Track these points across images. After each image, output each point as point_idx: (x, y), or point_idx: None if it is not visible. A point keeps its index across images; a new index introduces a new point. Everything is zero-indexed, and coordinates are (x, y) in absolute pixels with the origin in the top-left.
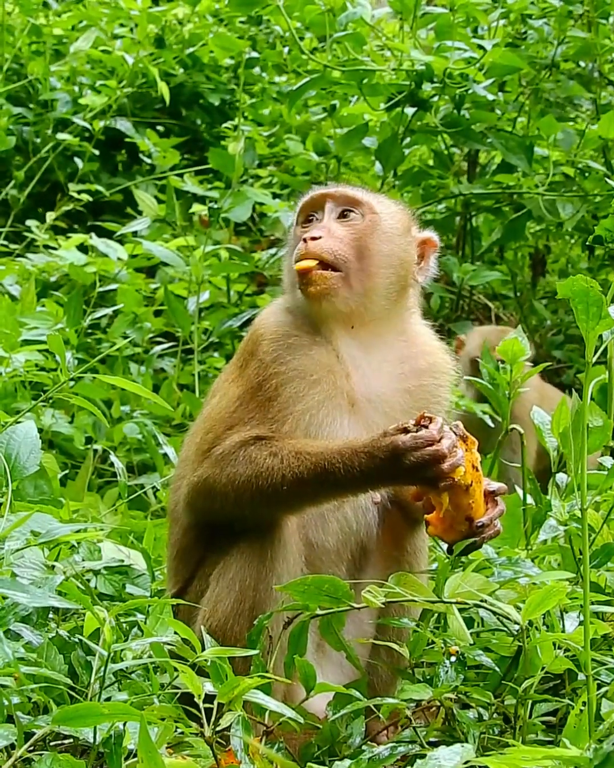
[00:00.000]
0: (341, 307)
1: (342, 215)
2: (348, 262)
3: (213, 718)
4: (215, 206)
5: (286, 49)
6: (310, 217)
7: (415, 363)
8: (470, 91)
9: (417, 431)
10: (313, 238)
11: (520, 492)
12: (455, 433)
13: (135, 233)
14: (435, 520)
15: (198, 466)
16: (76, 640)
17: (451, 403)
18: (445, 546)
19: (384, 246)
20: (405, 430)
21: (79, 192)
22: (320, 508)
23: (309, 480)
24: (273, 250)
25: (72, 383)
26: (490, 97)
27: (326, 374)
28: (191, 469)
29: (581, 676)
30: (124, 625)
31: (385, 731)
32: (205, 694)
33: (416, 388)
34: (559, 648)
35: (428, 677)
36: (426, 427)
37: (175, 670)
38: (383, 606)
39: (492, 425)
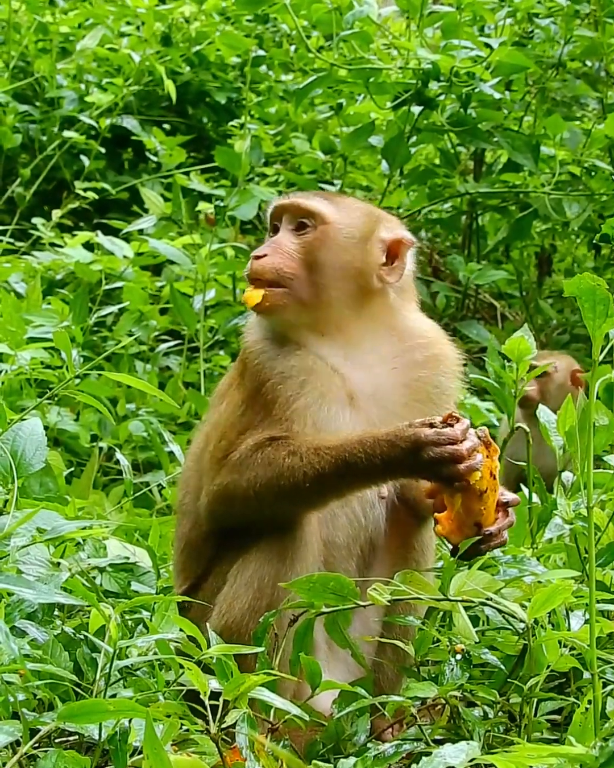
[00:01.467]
0: (293, 320)
1: (298, 227)
2: (294, 278)
3: (218, 716)
4: (221, 204)
5: (292, 48)
6: (275, 226)
7: (411, 356)
8: (476, 90)
9: (442, 428)
10: (257, 257)
11: (526, 490)
12: (479, 437)
13: (141, 231)
14: (444, 519)
15: (216, 475)
16: (82, 636)
17: (460, 392)
18: (451, 546)
19: (335, 257)
20: (431, 425)
21: (85, 190)
22: (341, 501)
23: (331, 474)
24: None
25: (77, 381)
26: (497, 96)
27: (310, 375)
28: (209, 479)
29: (586, 675)
30: (130, 622)
31: (390, 729)
32: (211, 691)
33: (414, 382)
34: (565, 646)
35: (433, 675)
36: (452, 425)
37: (181, 667)
38: (389, 604)
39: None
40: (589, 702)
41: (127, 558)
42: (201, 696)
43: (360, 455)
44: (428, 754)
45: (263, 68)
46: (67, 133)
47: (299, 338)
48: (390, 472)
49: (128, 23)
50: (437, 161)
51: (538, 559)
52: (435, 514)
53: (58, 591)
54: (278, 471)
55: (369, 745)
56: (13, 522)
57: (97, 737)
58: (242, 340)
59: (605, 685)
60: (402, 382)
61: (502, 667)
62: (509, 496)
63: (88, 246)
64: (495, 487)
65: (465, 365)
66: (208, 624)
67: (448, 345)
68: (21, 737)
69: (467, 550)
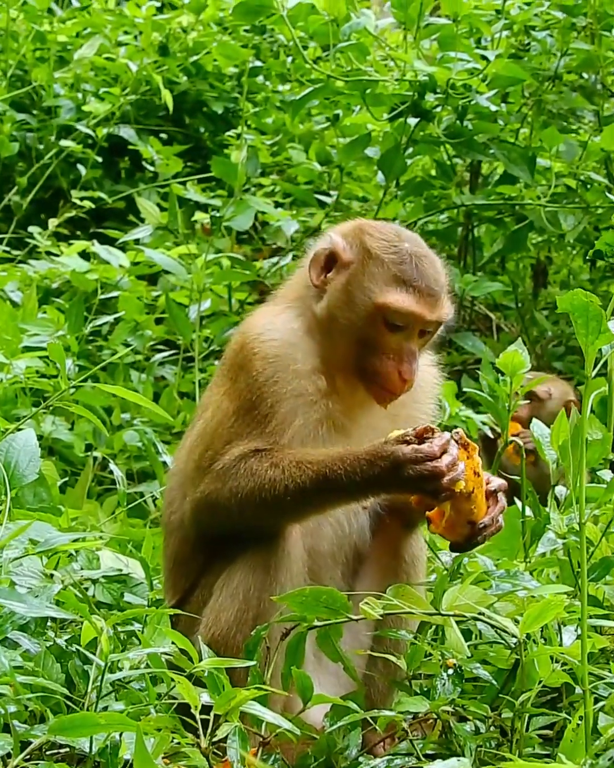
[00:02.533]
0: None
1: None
2: None
3: (210, 729)
4: (217, 215)
5: (289, 59)
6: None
7: (413, 390)
8: (473, 102)
9: (419, 444)
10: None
11: (519, 504)
12: (455, 440)
13: (137, 241)
14: (436, 518)
15: (200, 482)
16: (74, 649)
17: (438, 410)
18: (444, 557)
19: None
20: (408, 442)
21: (81, 199)
22: (322, 514)
23: (311, 489)
24: (275, 259)
25: (72, 391)
26: (493, 108)
27: (323, 398)
28: (193, 486)
29: (578, 690)
30: (122, 634)
31: (382, 743)
32: (202, 705)
33: (401, 415)
34: (557, 661)
35: (425, 689)
36: (429, 438)
37: (172, 680)
38: (380, 618)
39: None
40: (581, 717)
41: (120, 569)
42: (192, 710)
43: (340, 472)
44: None
45: (260, 79)
46: (64, 142)
47: (312, 362)
48: (371, 488)
49: (126, 33)
50: (433, 173)
51: (531, 573)
52: (427, 514)
53: (50, 604)
54: (259, 482)
55: (360, 759)
56: (6, 534)
57: (88, 750)
58: (243, 338)
59: (596, 700)
60: (392, 414)
61: (494, 681)
62: (496, 482)
63: (85, 255)
64: (480, 483)
65: (460, 375)
66: (195, 637)
67: (430, 368)
68: (12, 750)
69: (465, 542)
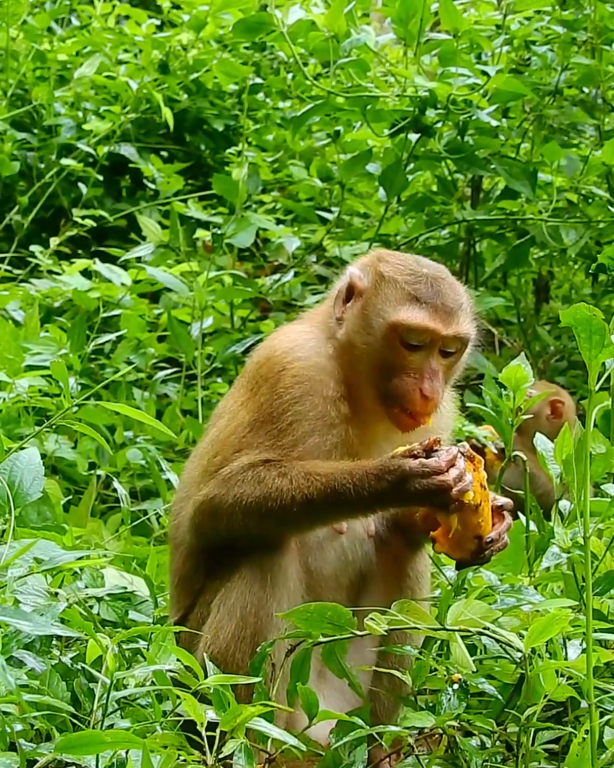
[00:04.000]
0: None
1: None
2: None
3: (215, 746)
4: (219, 232)
5: (289, 75)
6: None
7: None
8: (474, 117)
9: (426, 458)
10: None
11: (523, 519)
12: (461, 453)
13: (139, 259)
14: (441, 537)
15: (204, 486)
16: (79, 667)
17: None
18: (449, 573)
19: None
20: (415, 456)
21: (82, 217)
22: (328, 527)
23: (318, 501)
24: (276, 276)
25: (75, 409)
26: (494, 123)
27: (344, 423)
28: (196, 489)
29: (584, 704)
30: (127, 652)
31: (388, 759)
32: (208, 722)
33: (420, 436)
34: (562, 676)
35: (431, 705)
36: (436, 451)
37: (178, 697)
38: (385, 633)
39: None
40: (586, 732)
41: (125, 587)
42: (198, 727)
43: (348, 486)
44: None
45: (260, 96)
46: (64, 161)
47: (338, 388)
48: (382, 503)
49: (126, 51)
50: (434, 188)
51: (535, 587)
52: (431, 534)
53: (55, 622)
54: (266, 491)
55: None
56: (11, 553)
57: None
58: (272, 352)
59: (602, 714)
60: (407, 442)
61: (499, 696)
62: (501, 500)
63: (86, 273)
64: (486, 497)
65: (462, 393)
66: (197, 654)
67: (450, 403)
68: None
69: (471, 558)
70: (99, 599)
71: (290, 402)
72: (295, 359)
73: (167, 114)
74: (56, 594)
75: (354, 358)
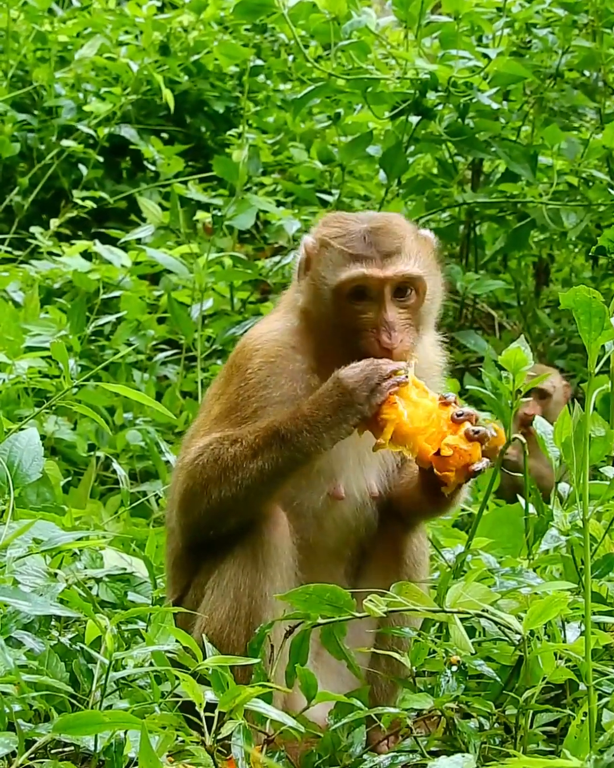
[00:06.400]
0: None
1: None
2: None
3: (214, 727)
4: (219, 214)
5: (290, 58)
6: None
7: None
8: (474, 100)
9: None
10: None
11: (523, 502)
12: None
13: (139, 240)
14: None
15: (179, 483)
16: (78, 647)
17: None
18: (448, 555)
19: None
20: None
21: (83, 199)
22: (293, 475)
23: (267, 448)
24: (276, 258)
25: (75, 390)
26: (494, 106)
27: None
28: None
29: (582, 687)
30: (126, 633)
31: (386, 741)
32: (207, 703)
33: None
34: (560, 658)
35: (429, 687)
36: None
37: (176, 678)
38: (384, 615)
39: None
40: (585, 714)
41: (124, 568)
42: (196, 707)
43: (286, 420)
44: (424, 765)
45: (261, 78)
46: (65, 142)
47: (309, 361)
48: (327, 427)
49: (127, 32)
50: (435, 171)
51: (534, 570)
52: (437, 472)
53: (54, 602)
54: (224, 462)
55: (365, 756)
56: (10, 533)
57: (92, 749)
58: (246, 340)
59: (600, 697)
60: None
61: (498, 678)
62: (449, 394)
63: (86, 255)
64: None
65: (463, 373)
66: (191, 635)
67: (434, 347)
68: (17, 748)
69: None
70: (98, 580)
71: (256, 387)
72: (263, 343)
73: (168, 96)
74: (55, 575)
75: (315, 326)
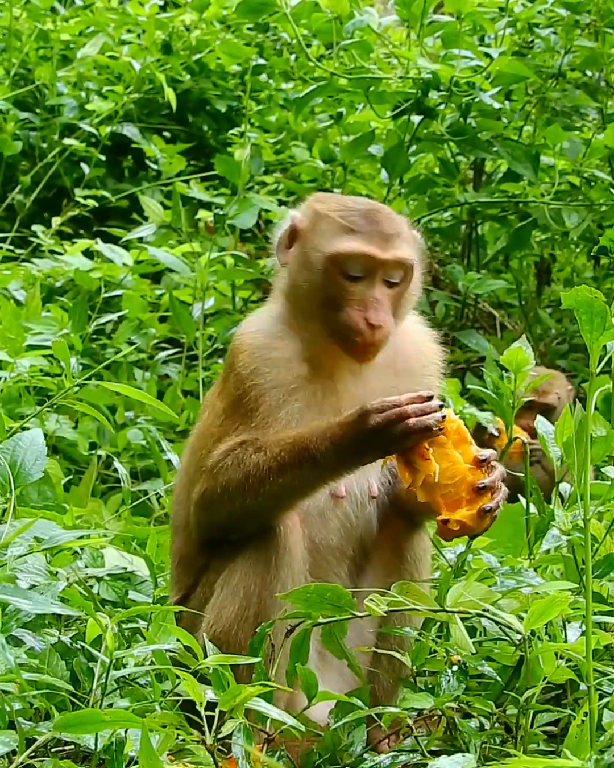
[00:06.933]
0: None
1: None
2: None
3: (214, 726)
4: (221, 213)
5: (292, 57)
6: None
7: (405, 364)
8: (476, 100)
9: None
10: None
11: (523, 501)
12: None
13: (140, 239)
14: (443, 505)
15: (197, 484)
16: (79, 646)
17: (442, 389)
18: (449, 555)
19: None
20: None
21: (84, 197)
22: (317, 489)
23: (292, 463)
24: None
25: (76, 389)
26: (497, 105)
27: (305, 384)
28: (193, 489)
29: (583, 687)
30: (127, 631)
31: (387, 740)
32: (207, 702)
33: (404, 387)
34: (561, 658)
35: (430, 686)
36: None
37: (177, 677)
38: (385, 614)
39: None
40: (585, 714)
41: (125, 567)
42: (197, 706)
43: (315, 439)
44: (424, 765)
45: (263, 77)
46: (67, 141)
47: (293, 347)
48: (345, 454)
49: (129, 31)
50: (437, 170)
51: (535, 570)
52: (437, 532)
53: (55, 601)
54: (246, 470)
55: (365, 756)
56: (11, 531)
57: (93, 747)
58: (233, 339)
59: (601, 697)
60: (392, 386)
61: (499, 678)
62: (485, 452)
63: (88, 254)
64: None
65: (464, 373)
66: (198, 634)
67: (432, 343)
68: (17, 747)
69: (474, 522)
70: (99, 579)
71: (248, 377)
72: (249, 334)
73: (170, 94)
74: (56, 573)
75: (299, 301)
